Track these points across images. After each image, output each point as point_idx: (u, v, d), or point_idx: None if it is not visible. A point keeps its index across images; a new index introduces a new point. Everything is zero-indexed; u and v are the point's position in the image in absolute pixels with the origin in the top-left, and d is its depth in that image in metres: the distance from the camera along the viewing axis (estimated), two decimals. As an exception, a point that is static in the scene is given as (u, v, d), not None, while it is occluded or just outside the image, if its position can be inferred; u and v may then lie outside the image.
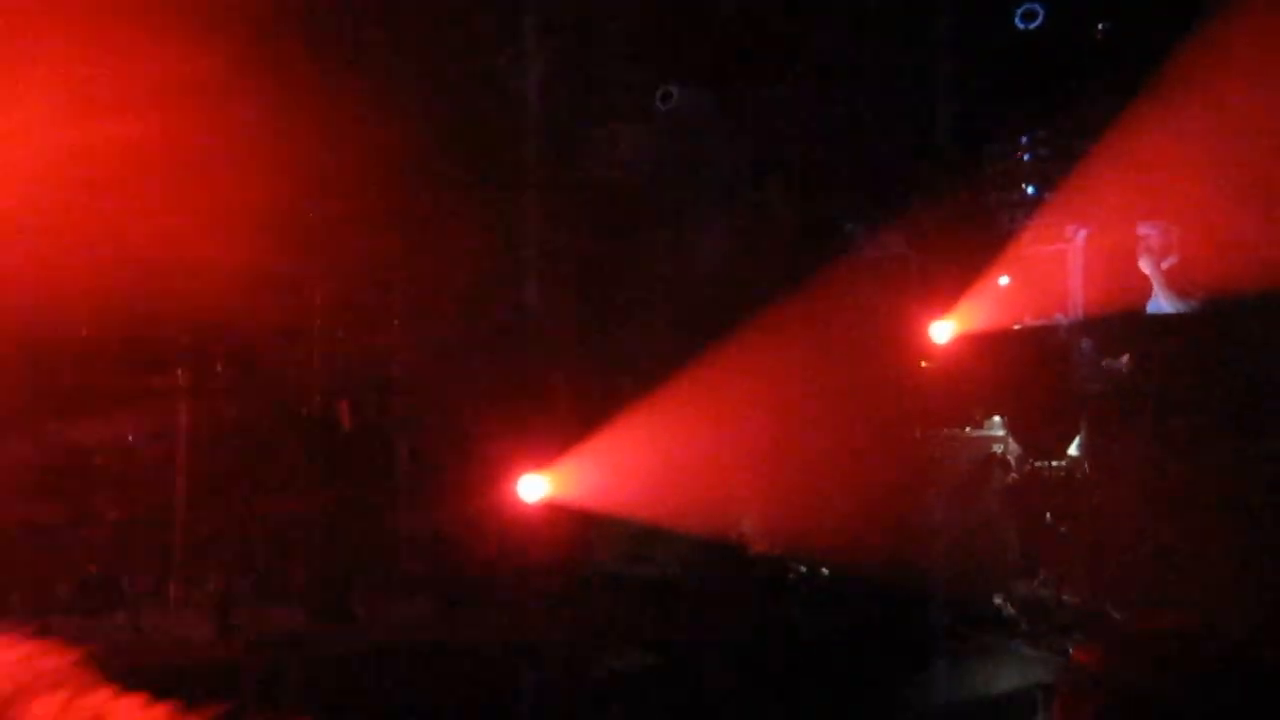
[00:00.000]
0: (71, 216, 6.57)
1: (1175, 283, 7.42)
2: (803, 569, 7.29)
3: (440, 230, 7.26)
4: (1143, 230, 7.38)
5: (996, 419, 8.10)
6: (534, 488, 6.76)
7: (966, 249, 7.89)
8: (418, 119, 7.02)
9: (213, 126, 6.40)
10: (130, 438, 6.86)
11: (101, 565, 6.60)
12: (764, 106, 7.41)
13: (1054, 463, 7.70)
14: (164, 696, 6.06)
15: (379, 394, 7.44)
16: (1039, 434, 7.80)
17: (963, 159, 8.00)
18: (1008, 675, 6.36)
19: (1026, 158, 8.02)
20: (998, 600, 7.16)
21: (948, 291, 7.90)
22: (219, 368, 6.94)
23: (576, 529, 7.07)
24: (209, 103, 6.34)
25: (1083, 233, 7.86)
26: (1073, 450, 7.71)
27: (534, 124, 7.56)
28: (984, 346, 7.83)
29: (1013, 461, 7.89)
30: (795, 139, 7.45)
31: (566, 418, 6.97)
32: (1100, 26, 7.39)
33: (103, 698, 2.07)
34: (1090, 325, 7.88)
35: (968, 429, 8.11)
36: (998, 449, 8.02)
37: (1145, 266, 7.30)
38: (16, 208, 6.32)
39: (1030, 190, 8.09)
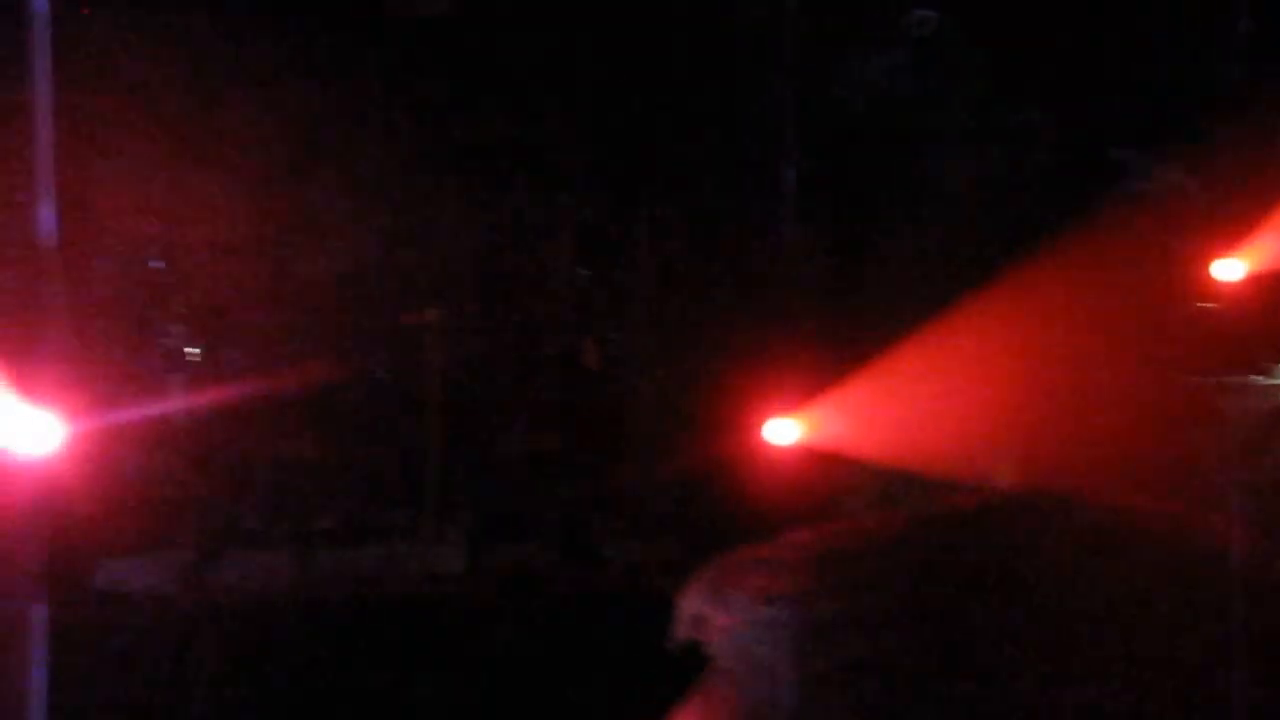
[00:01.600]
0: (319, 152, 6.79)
1: None
2: (1062, 524, 6.88)
3: (688, 163, 7.15)
4: None
5: (1289, 365, 7.50)
6: (783, 431, 6.56)
7: (1258, 177, 7.24)
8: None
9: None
10: (383, 375, 7.04)
11: (358, 500, 6.82)
12: (1020, 22, 6.94)
13: (1359, 416, 7.08)
14: (418, 629, 6.26)
15: (626, 332, 7.40)
16: (1340, 382, 7.17)
17: (1254, 72, 7.32)
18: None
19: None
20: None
21: (1235, 226, 7.28)
22: (469, 306, 7.06)
23: (826, 475, 6.87)
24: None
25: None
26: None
27: (780, 52, 7.31)
28: (1277, 286, 7.20)
29: (1309, 412, 7.30)
30: (1056, 57, 6.96)
31: (817, 359, 6.76)
32: None
33: None
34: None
35: (1255, 376, 7.52)
36: (1291, 398, 7.44)
37: None
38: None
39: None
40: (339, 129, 6.94)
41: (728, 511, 6.70)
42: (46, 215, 6.22)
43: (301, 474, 6.66)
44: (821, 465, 6.76)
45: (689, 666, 6.27)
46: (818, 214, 7.33)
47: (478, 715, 6.10)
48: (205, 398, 6.66)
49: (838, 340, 6.90)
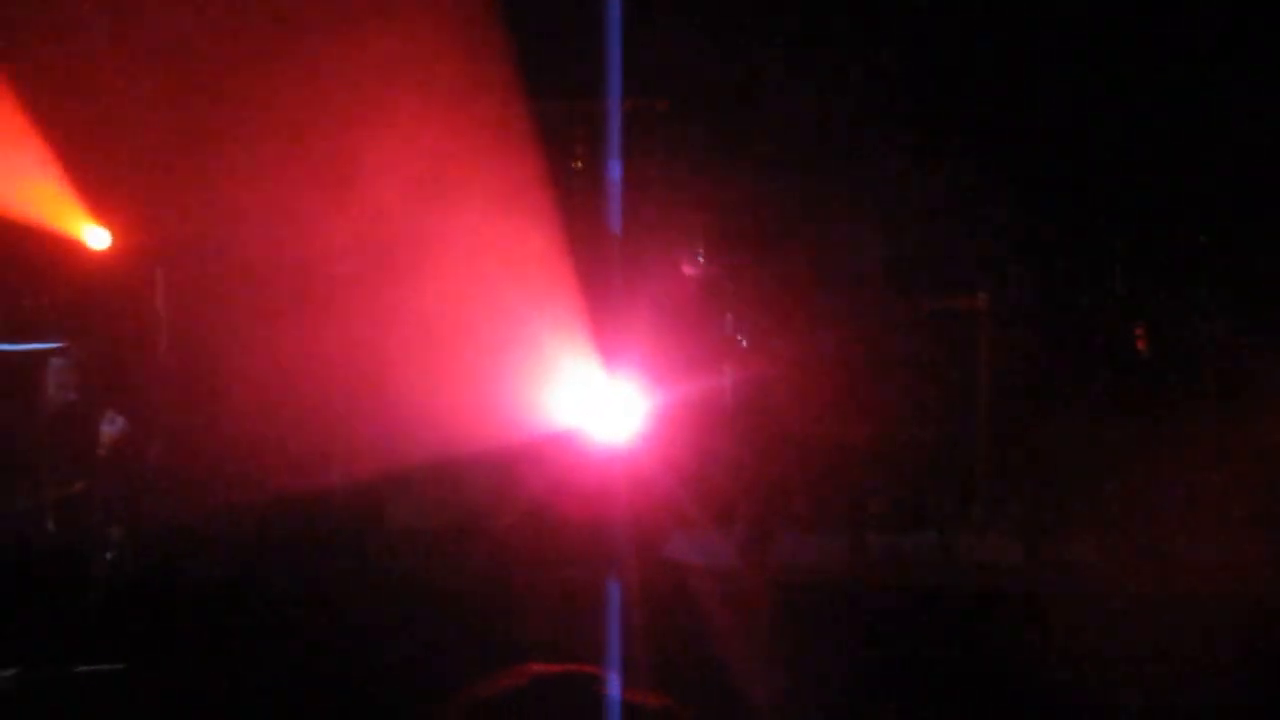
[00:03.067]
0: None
1: None
2: None
3: (1244, 131, 6.60)
4: None
5: None
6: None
7: None
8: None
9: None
10: (931, 360, 6.96)
11: (910, 486, 6.79)
12: None
13: None
14: (971, 616, 6.13)
15: (1184, 317, 6.94)
16: None
17: None
18: None
19: None
20: None
21: None
22: (1018, 290, 6.85)
23: None
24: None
25: None
26: None
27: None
28: None
29: None
30: None
31: None
32: None
33: None
34: None
35: None
36: None
37: None
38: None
39: None
40: (882, 112, 6.94)
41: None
42: (614, 208, 6.63)
43: (852, 459, 6.70)
44: None
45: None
46: None
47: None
48: (756, 384, 6.85)
49: None
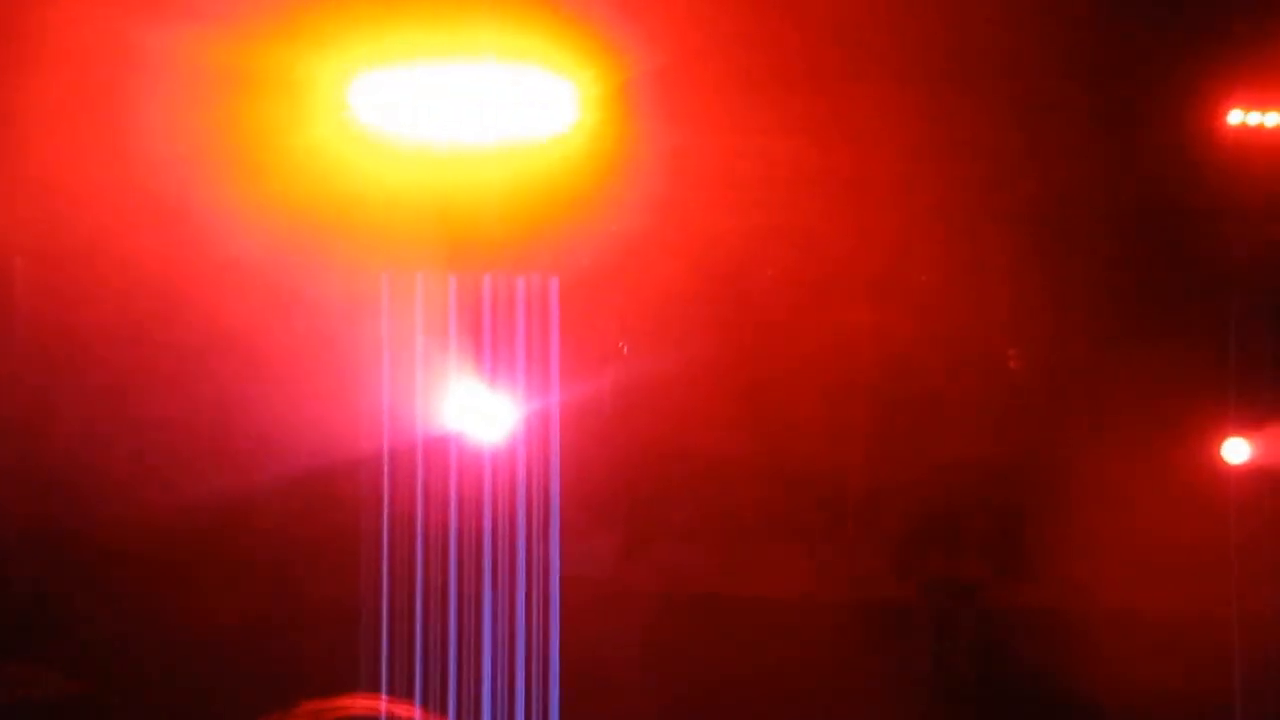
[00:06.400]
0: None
1: None
2: None
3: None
4: None
5: None
6: None
7: None
8: None
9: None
10: (812, 375, 6.93)
11: (784, 498, 6.76)
12: None
13: None
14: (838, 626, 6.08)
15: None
16: None
17: None
18: None
19: None
20: None
21: None
22: (902, 307, 6.84)
23: None
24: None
25: None
26: None
27: None
28: None
29: None
30: None
31: None
32: None
33: None
34: None
35: None
36: None
37: None
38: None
39: None
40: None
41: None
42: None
43: (730, 470, 6.68)
44: None
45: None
46: None
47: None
48: (635, 393, 6.77)
49: None
